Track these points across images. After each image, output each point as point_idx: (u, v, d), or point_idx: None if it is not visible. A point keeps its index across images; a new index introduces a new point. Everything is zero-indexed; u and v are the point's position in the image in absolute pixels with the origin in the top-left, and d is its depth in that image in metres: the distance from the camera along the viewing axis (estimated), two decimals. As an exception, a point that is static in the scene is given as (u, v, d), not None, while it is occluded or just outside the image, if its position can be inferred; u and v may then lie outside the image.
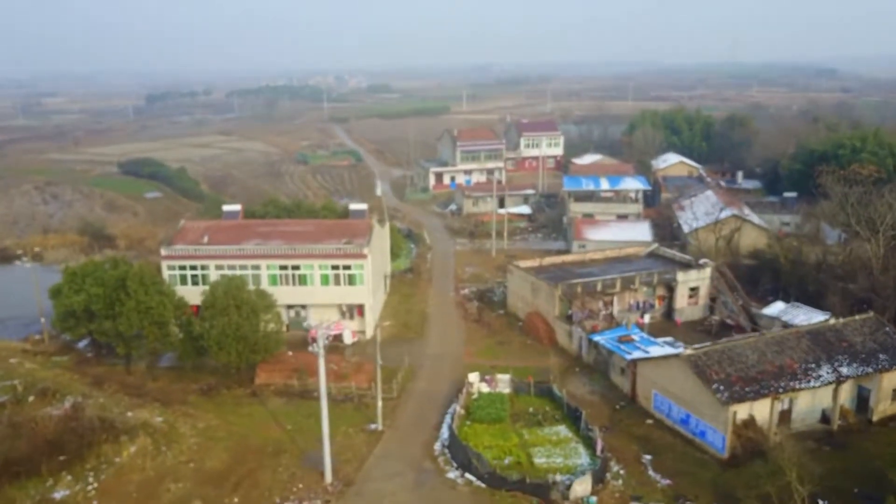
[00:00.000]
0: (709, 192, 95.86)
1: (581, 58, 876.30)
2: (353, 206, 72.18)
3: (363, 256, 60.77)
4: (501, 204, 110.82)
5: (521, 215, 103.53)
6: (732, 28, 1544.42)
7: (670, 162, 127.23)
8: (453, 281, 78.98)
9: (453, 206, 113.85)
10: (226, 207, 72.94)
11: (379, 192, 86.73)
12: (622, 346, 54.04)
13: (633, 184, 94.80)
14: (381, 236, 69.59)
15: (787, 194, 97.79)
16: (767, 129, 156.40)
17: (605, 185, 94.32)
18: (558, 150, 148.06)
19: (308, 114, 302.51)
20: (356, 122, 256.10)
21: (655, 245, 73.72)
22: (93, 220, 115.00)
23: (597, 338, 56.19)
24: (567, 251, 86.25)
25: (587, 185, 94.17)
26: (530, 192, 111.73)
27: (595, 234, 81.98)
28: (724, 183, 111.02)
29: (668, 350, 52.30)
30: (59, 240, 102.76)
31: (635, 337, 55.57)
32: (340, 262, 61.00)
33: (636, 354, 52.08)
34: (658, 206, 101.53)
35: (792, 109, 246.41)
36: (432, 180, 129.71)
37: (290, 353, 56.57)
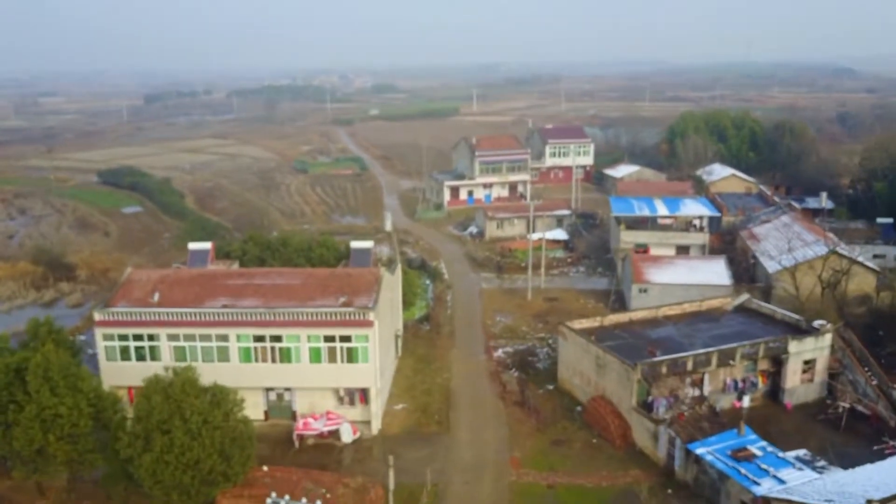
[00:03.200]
0: (786, 217, 79.30)
1: (588, 57, 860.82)
2: (356, 245, 55.81)
3: (368, 324, 44.42)
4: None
5: (556, 241, 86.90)
6: (740, 27, 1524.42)
7: (720, 175, 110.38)
8: (482, 335, 62.49)
9: (473, 229, 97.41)
10: (192, 246, 56.54)
11: (389, 224, 70.59)
12: (740, 468, 37.56)
13: (698, 208, 77.96)
14: (392, 286, 53.28)
15: (882, 220, 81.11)
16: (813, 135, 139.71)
17: (661, 209, 77.54)
18: (588, 160, 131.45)
19: (310, 115, 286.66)
20: (361, 124, 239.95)
21: (746, 296, 57.11)
22: (54, 244, 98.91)
23: (699, 450, 39.66)
24: (619, 290, 69.99)
25: (640, 210, 77.36)
26: (565, 212, 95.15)
27: (659, 276, 65.42)
28: (796, 203, 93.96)
29: (811, 477, 35.90)
30: (8, 270, 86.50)
31: (756, 451, 39.03)
32: (337, 332, 44.66)
33: (767, 487, 35.60)
34: (720, 233, 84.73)
35: (824, 112, 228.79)
36: (447, 195, 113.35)
37: (266, 467, 40.09)
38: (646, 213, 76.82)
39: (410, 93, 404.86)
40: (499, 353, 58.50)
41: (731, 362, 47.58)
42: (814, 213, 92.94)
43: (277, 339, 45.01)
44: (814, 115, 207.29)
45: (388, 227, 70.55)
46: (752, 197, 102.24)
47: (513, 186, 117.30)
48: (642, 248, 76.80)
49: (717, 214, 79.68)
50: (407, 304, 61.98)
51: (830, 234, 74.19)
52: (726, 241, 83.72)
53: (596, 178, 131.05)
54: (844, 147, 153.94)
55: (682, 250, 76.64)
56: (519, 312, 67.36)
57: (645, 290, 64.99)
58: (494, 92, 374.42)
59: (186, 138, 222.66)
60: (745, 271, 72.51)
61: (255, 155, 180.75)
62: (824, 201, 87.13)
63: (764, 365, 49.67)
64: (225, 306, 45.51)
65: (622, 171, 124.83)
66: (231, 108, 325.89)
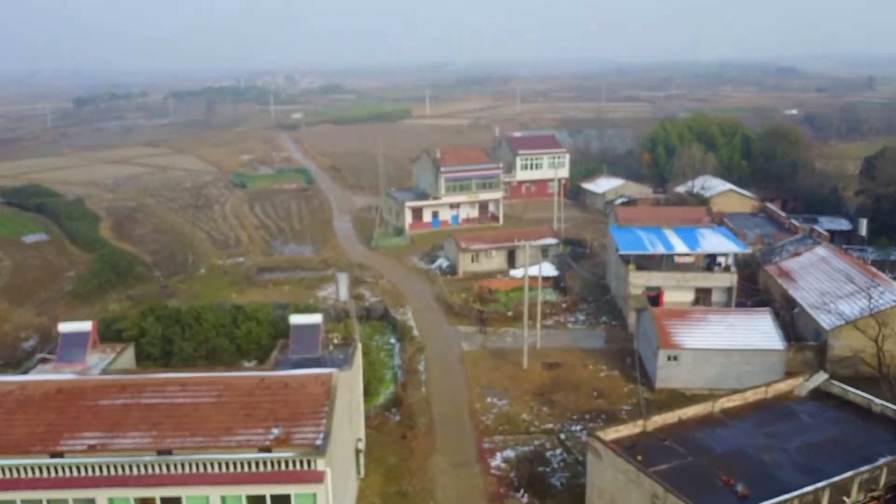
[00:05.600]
0: (821, 249, 66.04)
1: (535, 57, 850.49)
2: (297, 321, 39.61)
3: (316, 478, 28.67)
4: (511, 260, 79.92)
5: (545, 279, 72.05)
6: (680, 25, 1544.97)
7: (716, 190, 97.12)
8: (471, 429, 47.05)
9: (443, 262, 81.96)
10: (63, 328, 39.49)
11: (343, 291, 54.10)
12: None
13: (722, 242, 63.86)
14: (350, 384, 37.53)
15: (929, 250, 68.80)
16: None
17: (677, 243, 63.30)
18: (563, 172, 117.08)
19: (253, 119, 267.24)
20: (307, 129, 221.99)
21: (823, 376, 42.97)
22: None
23: None
24: (633, 353, 55.45)
25: (653, 245, 62.88)
26: (551, 241, 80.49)
27: (692, 338, 51.11)
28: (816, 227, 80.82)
29: None
30: None
31: None
32: (268, 491, 28.82)
33: None
34: (737, 267, 70.89)
35: (782, 113, 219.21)
36: (409, 217, 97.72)
37: None
38: (660, 249, 62.37)
39: (359, 93, 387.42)
40: (497, 460, 43.15)
41: (846, 499, 33.34)
42: (831, 235, 79.91)
43: (175, 501, 28.95)
44: (779, 117, 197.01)
45: (343, 294, 54.15)
46: (759, 218, 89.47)
47: (483, 206, 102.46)
48: (654, 292, 62.68)
49: (746, 250, 65.82)
50: (370, 393, 46.35)
51: (874, 270, 61.28)
52: (745, 278, 69.93)
53: (572, 192, 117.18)
54: (815, 151, 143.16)
55: (703, 293, 62.73)
56: (515, 388, 52.12)
57: (675, 357, 50.71)
58: (446, 93, 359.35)
59: (115, 146, 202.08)
60: (789, 322, 58.68)
61: (188, 167, 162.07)
62: (864, 229, 73.75)
63: (879, 490, 35.69)
64: (92, 448, 29.21)
65: (603, 185, 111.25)
66: (168, 111, 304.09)
